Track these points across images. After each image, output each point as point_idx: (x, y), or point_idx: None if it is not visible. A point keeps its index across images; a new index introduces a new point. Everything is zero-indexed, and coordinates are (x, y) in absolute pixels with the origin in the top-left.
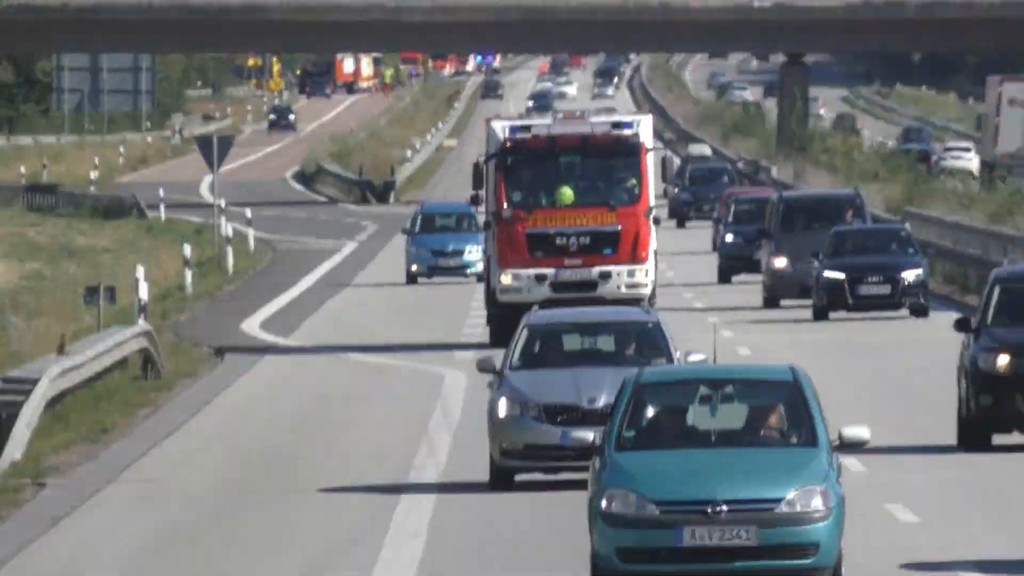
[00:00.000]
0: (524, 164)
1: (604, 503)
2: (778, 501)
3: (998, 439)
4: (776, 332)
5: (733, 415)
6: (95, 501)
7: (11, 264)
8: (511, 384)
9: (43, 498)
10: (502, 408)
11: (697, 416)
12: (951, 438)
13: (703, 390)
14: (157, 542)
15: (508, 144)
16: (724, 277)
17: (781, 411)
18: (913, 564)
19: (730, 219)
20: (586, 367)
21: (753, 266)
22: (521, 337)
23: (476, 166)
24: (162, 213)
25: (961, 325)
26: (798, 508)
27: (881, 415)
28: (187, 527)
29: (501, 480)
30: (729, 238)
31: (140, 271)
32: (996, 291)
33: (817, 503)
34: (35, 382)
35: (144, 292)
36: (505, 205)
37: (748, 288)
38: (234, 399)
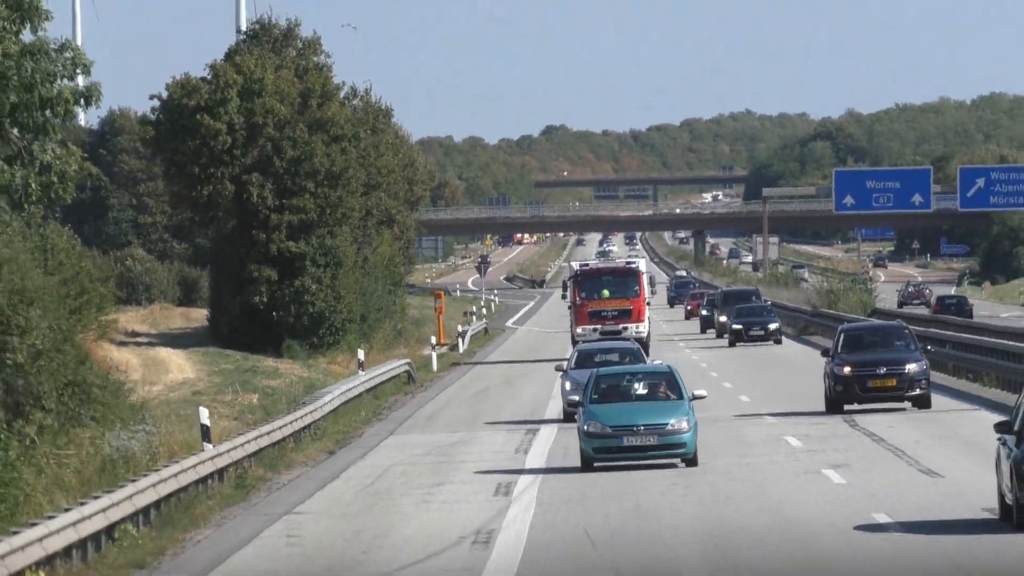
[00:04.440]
0: (586, 280)
1: (586, 427)
2: (666, 424)
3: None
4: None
5: (642, 387)
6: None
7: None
8: (570, 375)
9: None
10: (567, 386)
11: (626, 387)
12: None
13: (628, 377)
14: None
15: (579, 271)
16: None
17: (664, 384)
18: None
19: (703, 303)
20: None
21: (711, 323)
22: (575, 354)
23: (564, 282)
24: (458, 293)
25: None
26: (675, 427)
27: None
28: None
29: (568, 416)
30: (703, 312)
31: (472, 308)
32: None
33: (683, 425)
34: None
35: (473, 313)
36: (578, 298)
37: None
38: (503, 346)
